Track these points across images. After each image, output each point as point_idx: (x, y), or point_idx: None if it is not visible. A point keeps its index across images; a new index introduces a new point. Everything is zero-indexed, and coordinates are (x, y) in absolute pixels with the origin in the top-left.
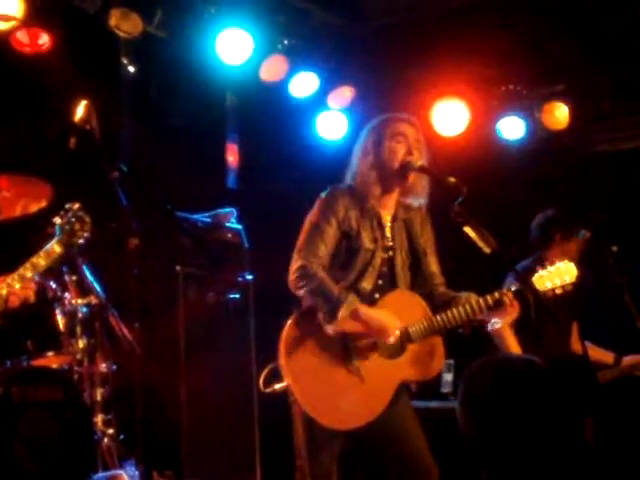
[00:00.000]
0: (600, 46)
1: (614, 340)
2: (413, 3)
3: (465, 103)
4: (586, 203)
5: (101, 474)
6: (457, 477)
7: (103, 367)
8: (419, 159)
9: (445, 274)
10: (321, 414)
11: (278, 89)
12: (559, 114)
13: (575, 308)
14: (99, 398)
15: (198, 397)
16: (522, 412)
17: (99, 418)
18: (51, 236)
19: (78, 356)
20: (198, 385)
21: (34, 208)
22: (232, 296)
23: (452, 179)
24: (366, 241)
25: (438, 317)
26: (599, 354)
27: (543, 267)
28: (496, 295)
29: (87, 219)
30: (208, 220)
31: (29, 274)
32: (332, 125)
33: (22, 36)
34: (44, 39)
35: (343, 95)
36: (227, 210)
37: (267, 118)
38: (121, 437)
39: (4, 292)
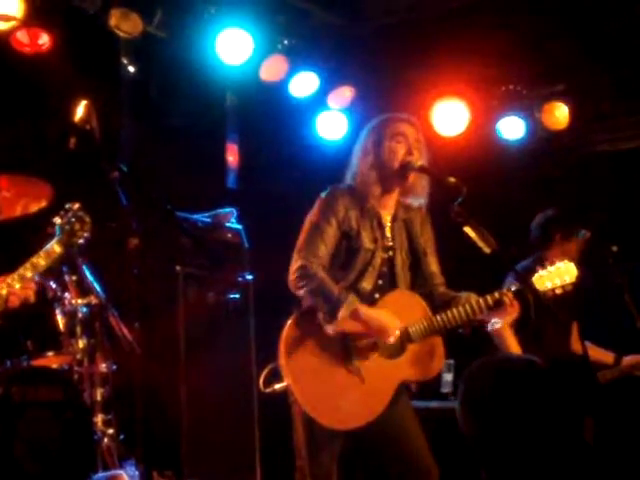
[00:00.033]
0: (600, 46)
1: (614, 340)
2: (413, 3)
3: (465, 103)
4: (586, 203)
5: (101, 474)
6: (457, 477)
7: (103, 367)
8: (419, 159)
9: (445, 274)
10: (321, 414)
11: (278, 89)
12: (559, 114)
13: (575, 308)
14: (99, 398)
15: (198, 397)
16: (522, 412)
17: (99, 418)
18: (51, 236)
19: (78, 356)
20: (198, 385)
21: (34, 208)
22: (232, 296)
23: (452, 179)
24: (366, 241)
25: (438, 317)
26: (599, 354)
27: (543, 267)
28: (496, 295)
29: (87, 219)
30: (208, 220)
31: (29, 274)
32: (332, 125)
33: (22, 36)
34: (44, 39)
35: (343, 95)
36: (227, 210)
37: (267, 118)
38: (121, 437)
39: (4, 292)
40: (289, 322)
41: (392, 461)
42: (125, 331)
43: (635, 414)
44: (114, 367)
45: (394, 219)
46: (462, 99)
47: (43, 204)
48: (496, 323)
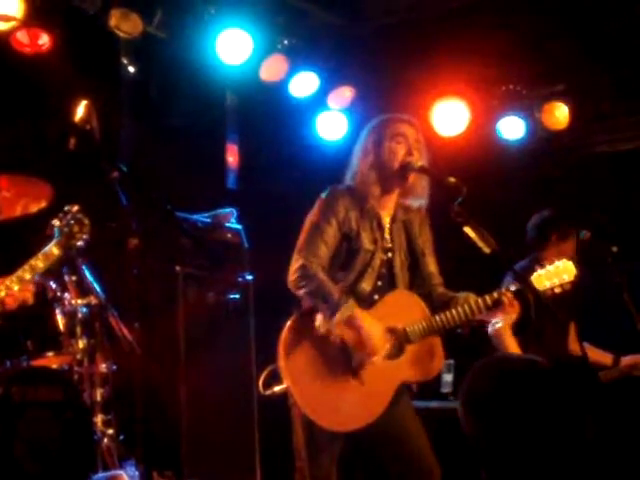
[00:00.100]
0: (600, 46)
1: (613, 340)
2: (413, 3)
3: (465, 103)
4: (586, 203)
5: (101, 474)
6: (457, 477)
7: (103, 367)
8: (419, 160)
9: (445, 274)
10: (321, 416)
11: (278, 89)
12: (559, 114)
13: (573, 308)
14: (99, 398)
15: (198, 397)
16: (524, 412)
17: (99, 418)
18: (50, 238)
19: (78, 356)
20: (198, 385)
21: (34, 208)
22: (232, 296)
23: (452, 179)
24: (366, 242)
25: (437, 317)
26: (597, 355)
27: (542, 267)
28: (495, 295)
29: (86, 221)
30: (208, 220)
31: (27, 276)
32: (332, 125)
33: (22, 36)
34: (44, 39)
35: (343, 95)
36: (227, 210)
37: (267, 118)
38: (121, 437)
39: (2, 294)
40: (288, 324)
41: (393, 461)
42: (125, 331)
43: (634, 414)
44: (114, 367)
45: (393, 220)
46: (462, 99)
47: (43, 204)
48: (497, 323)
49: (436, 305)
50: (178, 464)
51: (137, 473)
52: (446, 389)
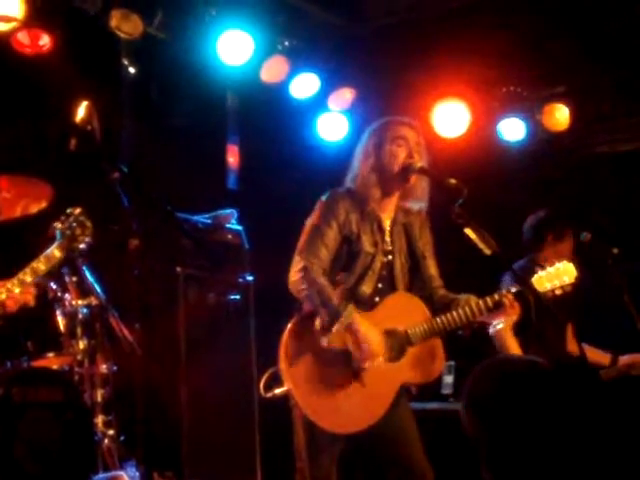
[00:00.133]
0: (600, 46)
1: (613, 341)
2: (413, 3)
3: (465, 104)
4: (586, 205)
5: (101, 475)
6: (457, 478)
7: (104, 368)
8: (420, 162)
9: (445, 275)
10: (322, 418)
11: (279, 90)
12: (559, 115)
13: (570, 309)
14: (99, 399)
15: (199, 398)
16: (526, 413)
17: (99, 419)
18: (52, 240)
19: (78, 357)
20: (199, 386)
21: (34, 209)
22: (232, 297)
23: (453, 181)
24: (366, 245)
25: (438, 319)
26: (595, 355)
27: (542, 268)
28: (496, 297)
29: (88, 224)
30: (208, 221)
31: (29, 279)
32: (332, 126)
33: (23, 37)
34: (45, 40)
35: (343, 97)
36: (227, 211)
37: (268, 119)
38: (121, 438)
39: (3, 297)
40: (289, 326)
41: (389, 465)
42: (125, 332)
43: (633, 414)
44: (114, 368)
45: (394, 223)
46: (462, 100)
47: (43, 205)
48: (497, 325)
49: (437, 307)
50: (179, 465)
51: (138, 474)
52: (447, 390)
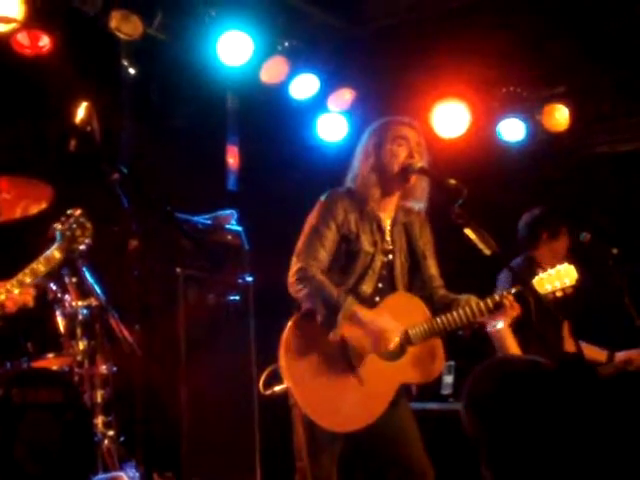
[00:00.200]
0: (600, 47)
1: (613, 342)
2: (413, 3)
3: (465, 105)
4: (586, 205)
5: (101, 476)
6: (457, 479)
7: (103, 369)
8: (420, 162)
9: (445, 275)
10: (321, 417)
11: (278, 91)
12: (559, 116)
13: (569, 309)
14: (99, 400)
15: (198, 398)
16: (527, 413)
17: (99, 420)
18: (52, 241)
19: (78, 358)
20: (198, 386)
21: (34, 210)
22: (232, 298)
23: (452, 181)
24: (365, 244)
25: (438, 319)
26: (592, 352)
27: (538, 266)
28: (496, 298)
29: (88, 225)
30: (208, 222)
31: (28, 280)
32: (332, 127)
33: (23, 38)
34: (44, 41)
35: (343, 97)
36: (227, 212)
37: (267, 120)
38: (121, 439)
39: (2, 297)
40: (289, 324)
41: (389, 464)
42: (125, 333)
43: (631, 410)
44: (114, 369)
45: (394, 222)
46: (462, 101)
47: (43, 206)
48: (497, 325)
49: (437, 307)
50: (178, 465)
51: (137, 474)
52: (446, 391)
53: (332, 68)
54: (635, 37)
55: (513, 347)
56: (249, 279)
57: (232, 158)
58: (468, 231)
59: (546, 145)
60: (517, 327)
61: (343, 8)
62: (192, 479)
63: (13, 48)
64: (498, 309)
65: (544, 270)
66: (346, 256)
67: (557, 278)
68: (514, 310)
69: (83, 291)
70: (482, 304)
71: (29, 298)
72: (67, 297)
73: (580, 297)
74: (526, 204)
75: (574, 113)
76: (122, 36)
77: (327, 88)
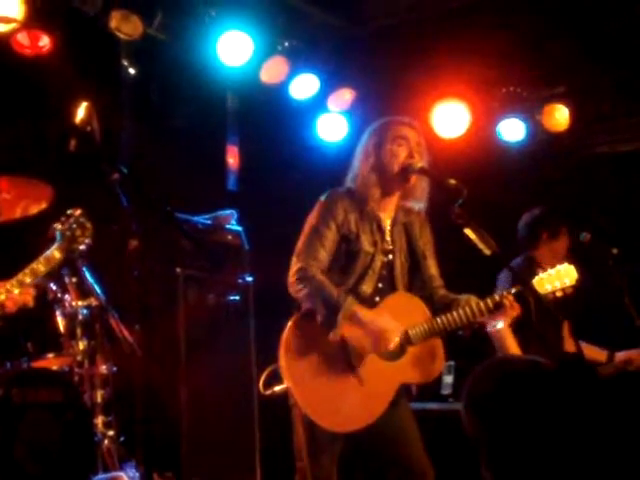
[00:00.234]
0: (600, 47)
1: (614, 342)
2: (413, 3)
3: (465, 105)
4: (586, 205)
5: (101, 476)
6: (456, 479)
7: (103, 369)
8: (420, 162)
9: (445, 276)
10: (321, 417)
11: (278, 91)
12: (559, 116)
13: (569, 309)
14: (99, 400)
15: (198, 398)
16: (528, 413)
17: (99, 420)
18: (52, 241)
19: (78, 358)
20: (198, 386)
21: (34, 210)
22: (232, 298)
23: (452, 181)
24: (365, 244)
25: (438, 319)
26: (592, 352)
27: (538, 266)
28: (496, 298)
29: (88, 225)
30: (208, 222)
31: (28, 280)
32: (332, 127)
33: (23, 38)
34: (44, 41)
35: (343, 97)
36: (227, 212)
37: (267, 120)
38: (121, 439)
39: (2, 297)
40: (289, 324)
41: (389, 464)
42: (125, 333)
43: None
44: (114, 369)
45: (394, 222)
46: (462, 101)
47: (43, 206)
48: (497, 324)
49: (437, 307)
50: (178, 465)
51: (137, 474)
52: (446, 391)
53: (332, 68)
54: (635, 37)
55: (513, 347)
56: (249, 279)
57: (232, 158)
58: (468, 231)
59: (546, 145)
60: (517, 327)
61: (343, 8)
62: (192, 479)
63: (13, 48)
64: (498, 309)
65: (544, 270)
66: (346, 256)
67: (557, 278)
68: (514, 310)
69: (83, 291)
70: (482, 304)
71: (29, 298)
72: (67, 297)
73: (580, 297)
74: (526, 204)
75: (574, 113)
76: (122, 36)
77: (327, 88)
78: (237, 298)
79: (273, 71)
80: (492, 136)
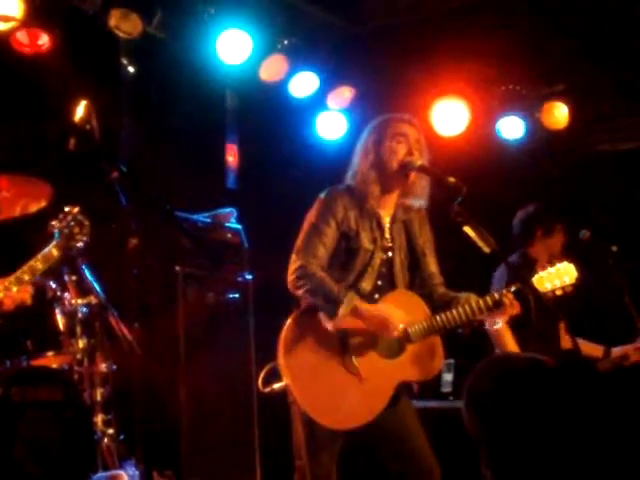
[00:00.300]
0: (600, 46)
1: (613, 340)
2: (413, 3)
3: (465, 103)
4: (586, 203)
5: (101, 474)
6: (457, 477)
7: (103, 367)
8: (419, 159)
9: (445, 273)
10: (321, 414)
11: (278, 89)
12: (559, 114)
13: (567, 307)
14: (99, 398)
15: (198, 397)
16: (528, 411)
17: (99, 418)
18: (50, 239)
19: (78, 356)
20: (198, 385)
21: (34, 208)
22: (232, 296)
23: (452, 179)
24: (365, 241)
25: (438, 317)
26: (588, 347)
27: (534, 263)
28: (496, 296)
29: (86, 223)
30: (208, 220)
31: (26, 277)
32: (331, 125)
33: (22, 36)
34: (44, 39)
35: (342, 95)
36: (227, 210)
37: (267, 118)
38: (121, 437)
39: (0, 295)
40: (288, 322)
41: (393, 460)
42: (125, 331)
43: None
44: (114, 367)
45: (393, 220)
46: (462, 99)
47: (43, 204)
48: (497, 323)
49: (437, 305)
50: (178, 463)
51: (137, 473)
52: (446, 389)
53: (332, 66)
54: (635, 37)
55: (512, 345)
56: (248, 277)
57: (231, 156)
58: (467, 229)
59: (545, 143)
60: (516, 325)
61: (343, 6)
62: (192, 477)
63: (12, 46)
64: (498, 307)
65: (541, 267)
66: (346, 253)
67: (557, 276)
68: (514, 308)
69: (83, 289)
70: (482, 302)
71: (27, 296)
72: (67, 295)
73: (580, 295)
74: (525, 202)
75: (573, 111)
76: (121, 34)
77: (326, 86)
78: (237, 296)
79: (272, 69)
80: (491, 134)
